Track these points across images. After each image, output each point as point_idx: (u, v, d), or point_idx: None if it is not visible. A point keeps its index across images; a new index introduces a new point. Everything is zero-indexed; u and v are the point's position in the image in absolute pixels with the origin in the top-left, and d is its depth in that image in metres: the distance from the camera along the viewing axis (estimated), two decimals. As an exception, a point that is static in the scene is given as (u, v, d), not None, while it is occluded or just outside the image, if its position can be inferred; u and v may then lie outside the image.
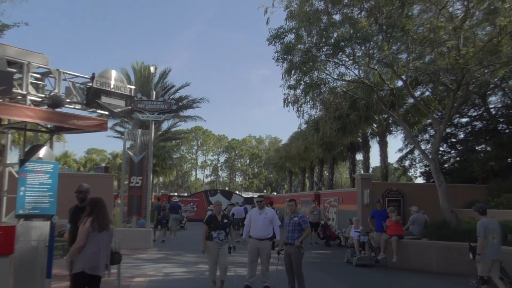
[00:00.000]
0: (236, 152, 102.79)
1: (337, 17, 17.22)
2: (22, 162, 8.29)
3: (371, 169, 30.92)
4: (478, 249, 9.41)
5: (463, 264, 12.87)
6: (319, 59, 17.01)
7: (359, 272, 13.68)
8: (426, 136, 28.61)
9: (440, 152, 26.28)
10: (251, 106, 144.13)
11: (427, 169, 28.15)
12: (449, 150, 27.61)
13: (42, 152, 8.60)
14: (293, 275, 9.31)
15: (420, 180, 30.22)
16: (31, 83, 8.94)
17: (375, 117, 24.99)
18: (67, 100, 9.05)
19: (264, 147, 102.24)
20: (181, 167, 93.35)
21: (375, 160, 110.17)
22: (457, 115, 25.52)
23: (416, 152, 29.34)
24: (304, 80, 17.37)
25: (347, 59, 17.47)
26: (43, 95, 8.73)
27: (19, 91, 8.32)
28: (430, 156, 17.75)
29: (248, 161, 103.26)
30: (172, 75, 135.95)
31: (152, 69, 21.62)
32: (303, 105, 18.95)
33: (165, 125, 39.87)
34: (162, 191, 62.88)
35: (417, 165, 29.89)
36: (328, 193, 28.96)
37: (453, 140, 27.53)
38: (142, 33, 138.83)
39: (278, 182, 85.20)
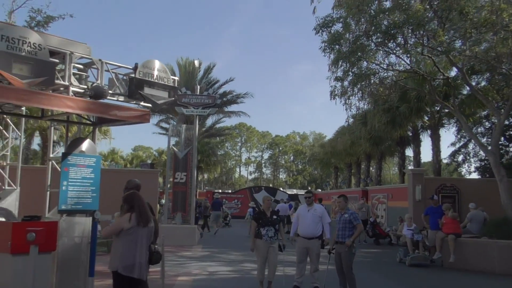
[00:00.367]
0: (280, 148, 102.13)
1: (387, 4, 16.41)
2: (65, 155, 8.04)
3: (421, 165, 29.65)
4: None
5: (530, 265, 11.87)
6: (368, 48, 16.22)
7: (413, 273, 12.89)
8: (481, 129, 27.14)
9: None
10: (295, 102, 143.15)
11: (483, 163, 26.72)
12: (507, 143, 26.04)
13: (84, 146, 8.33)
14: (344, 275, 8.73)
15: (474, 176, 28.76)
16: (74, 74, 8.70)
17: (427, 109, 23.81)
18: (110, 92, 8.74)
19: (308, 143, 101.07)
20: (225, 164, 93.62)
21: (424, 155, 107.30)
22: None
23: (471, 146, 27.96)
24: (353, 70, 16.60)
25: (398, 48, 16.60)
26: (85, 87, 8.46)
27: (62, 82, 8.07)
28: (489, 149, 16.61)
29: (292, 157, 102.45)
30: (216, 71, 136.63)
31: (196, 62, 21.39)
32: (351, 97, 18.21)
33: (209, 121, 39.82)
34: (207, 187, 63.12)
35: (471, 159, 28.45)
36: (376, 189, 28.01)
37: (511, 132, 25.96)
38: (187, 29, 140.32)
39: (323, 178, 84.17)
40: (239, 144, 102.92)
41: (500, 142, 25.43)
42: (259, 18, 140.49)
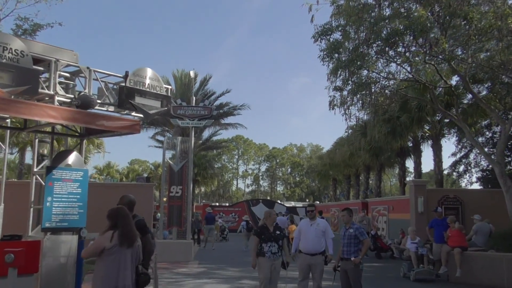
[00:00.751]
0: (277, 161, 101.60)
1: (387, 11, 16.02)
2: (49, 169, 7.51)
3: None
4: None
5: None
6: (368, 56, 15.78)
7: (419, 288, 12.32)
8: (482, 139, 26.66)
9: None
10: (292, 114, 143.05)
11: (485, 174, 26.23)
12: (509, 153, 25.58)
13: (71, 159, 7.80)
14: (350, 293, 8.16)
15: (475, 186, 28.23)
16: (60, 82, 8.20)
17: (428, 118, 23.35)
18: (98, 101, 8.23)
19: (306, 155, 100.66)
20: (223, 177, 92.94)
21: (424, 166, 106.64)
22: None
23: (472, 156, 27.47)
24: (352, 79, 16.15)
25: (399, 56, 16.18)
26: (72, 96, 7.96)
27: (46, 91, 7.57)
28: (494, 159, 16.11)
29: (289, 169, 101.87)
30: (213, 84, 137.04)
31: (191, 73, 20.91)
32: (350, 107, 17.76)
33: (206, 134, 39.28)
34: (204, 201, 62.42)
35: (473, 170, 27.94)
36: (376, 201, 27.46)
37: (515, 141, 25.48)
38: (182, 42, 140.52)
39: (321, 190, 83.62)
40: (236, 156, 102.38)
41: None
42: (255, 30, 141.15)
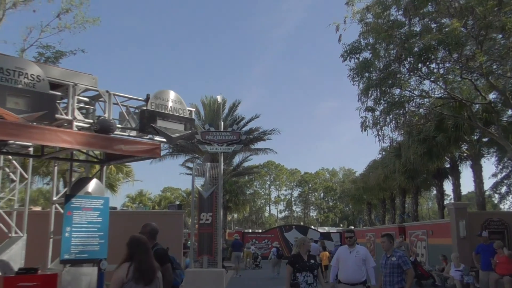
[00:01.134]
0: (310, 185, 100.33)
1: (418, 27, 15.47)
2: (68, 198, 7.18)
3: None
4: None
5: None
6: (400, 74, 15.18)
7: (467, 320, 11.37)
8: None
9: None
10: (322, 139, 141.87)
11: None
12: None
13: (91, 186, 7.46)
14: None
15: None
16: (80, 108, 7.94)
17: (466, 138, 22.32)
18: (119, 126, 7.91)
19: (338, 179, 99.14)
20: (255, 203, 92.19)
21: (462, 188, 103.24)
22: None
23: (514, 177, 26.15)
24: (385, 98, 15.53)
25: (432, 73, 15.50)
26: (91, 121, 7.66)
27: (64, 116, 7.29)
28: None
29: (322, 194, 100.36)
30: (242, 110, 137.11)
31: (219, 98, 20.59)
32: (383, 127, 17.11)
33: (236, 160, 39.01)
34: (236, 228, 61.78)
35: (516, 191, 26.60)
36: (414, 225, 26.28)
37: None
38: (211, 70, 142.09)
39: (355, 215, 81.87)
40: (268, 182, 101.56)
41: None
42: (283, 57, 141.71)
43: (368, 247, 32.43)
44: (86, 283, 7.14)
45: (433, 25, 15.04)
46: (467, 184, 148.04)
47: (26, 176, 9.42)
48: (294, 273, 7.69)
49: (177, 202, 55.22)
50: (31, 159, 9.15)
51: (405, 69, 14.77)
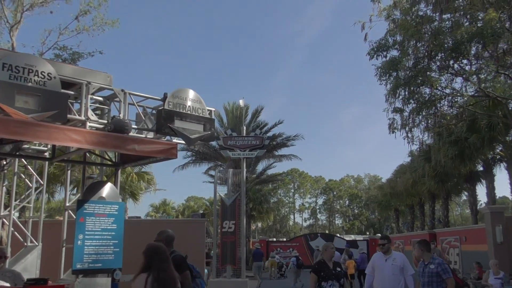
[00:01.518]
0: (335, 193, 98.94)
1: (448, 24, 14.73)
2: (80, 203, 6.71)
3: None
4: None
5: None
6: (431, 71, 14.44)
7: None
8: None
9: None
10: (346, 145, 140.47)
11: None
12: None
13: (104, 191, 6.99)
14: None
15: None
16: (95, 108, 7.52)
17: (500, 138, 21.23)
18: (134, 126, 7.44)
19: (364, 186, 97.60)
20: (279, 212, 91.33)
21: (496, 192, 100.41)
22: None
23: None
24: (415, 98, 14.80)
25: (463, 70, 14.72)
26: (105, 121, 7.21)
27: (77, 116, 6.85)
28: None
29: (347, 202, 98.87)
30: (265, 117, 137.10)
31: (241, 102, 20.19)
32: (412, 129, 16.38)
33: (260, 167, 38.44)
34: (261, 236, 61.12)
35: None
36: (446, 231, 25.26)
37: None
38: (234, 77, 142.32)
39: (381, 222, 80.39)
40: (292, 190, 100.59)
41: None
42: (306, 64, 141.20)
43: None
44: (101, 294, 6.65)
45: (465, 21, 14.31)
46: (499, 189, 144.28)
47: (42, 182, 9.01)
48: (319, 281, 7.06)
49: (201, 211, 54.94)
50: (46, 163, 8.71)
51: (436, 66, 14.00)
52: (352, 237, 52.75)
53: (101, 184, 7.04)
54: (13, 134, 5.07)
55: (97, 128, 7.10)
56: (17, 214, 11.87)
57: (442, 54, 13.71)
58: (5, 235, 9.29)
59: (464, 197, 64.95)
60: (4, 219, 9.55)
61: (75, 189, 24.98)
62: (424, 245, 7.58)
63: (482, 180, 27.04)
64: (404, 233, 39.69)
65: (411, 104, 15.44)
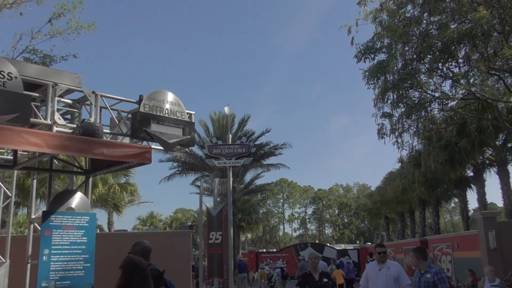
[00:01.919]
0: (324, 202, 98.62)
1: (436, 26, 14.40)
2: (46, 214, 6.11)
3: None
4: None
5: None
6: (420, 74, 14.07)
7: None
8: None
9: None
10: (334, 155, 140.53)
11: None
12: None
13: (74, 201, 6.40)
14: None
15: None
16: (65, 112, 6.96)
17: (490, 142, 20.92)
18: (106, 131, 6.88)
19: (353, 195, 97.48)
20: (268, 222, 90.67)
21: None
22: None
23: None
24: (404, 101, 14.40)
25: (453, 72, 14.37)
26: (74, 126, 6.64)
27: (42, 120, 6.27)
28: None
29: (337, 211, 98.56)
30: (252, 127, 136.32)
31: (226, 109, 19.59)
32: (402, 134, 15.96)
33: (248, 177, 37.78)
34: (250, 248, 60.40)
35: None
36: (437, 238, 24.86)
37: None
38: (221, 89, 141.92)
39: (371, 231, 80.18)
40: (281, 200, 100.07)
41: None
42: (293, 75, 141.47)
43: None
44: (70, 315, 6.02)
45: (453, 23, 13.98)
46: (491, 194, 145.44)
47: (9, 194, 8.36)
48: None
49: (189, 223, 54.16)
50: (15, 173, 8.05)
51: (425, 67, 13.62)
52: (342, 246, 52.29)
53: (70, 193, 6.43)
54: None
55: (65, 133, 6.52)
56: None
57: (431, 55, 13.33)
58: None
59: (453, 204, 65.12)
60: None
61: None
62: (420, 253, 7.09)
63: (473, 186, 26.73)
64: (394, 241, 39.30)
65: (400, 108, 15.05)
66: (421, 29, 13.53)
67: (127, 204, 28.71)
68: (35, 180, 6.99)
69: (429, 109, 14.50)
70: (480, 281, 15.36)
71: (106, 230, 33.55)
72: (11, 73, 5.92)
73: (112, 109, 7.40)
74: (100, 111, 7.25)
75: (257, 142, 33.30)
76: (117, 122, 7.35)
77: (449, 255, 21.96)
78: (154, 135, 7.16)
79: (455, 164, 21.77)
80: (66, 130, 6.53)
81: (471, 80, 15.57)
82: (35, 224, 6.72)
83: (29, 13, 13.95)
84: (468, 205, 29.53)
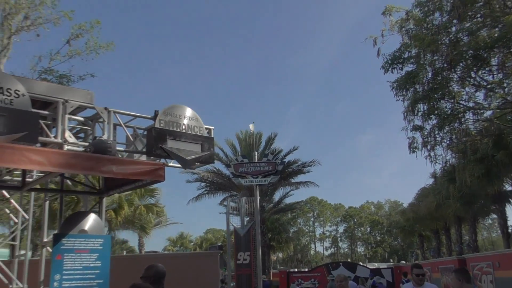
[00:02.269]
0: (355, 220, 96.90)
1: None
2: (57, 238, 5.78)
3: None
4: None
5: None
6: (452, 83, 13.42)
7: None
8: None
9: None
10: (364, 172, 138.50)
11: None
12: None
13: (87, 223, 6.06)
14: None
15: None
16: (78, 131, 6.69)
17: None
18: (120, 149, 6.56)
19: (385, 212, 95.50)
20: (299, 241, 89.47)
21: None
22: None
23: None
24: (436, 112, 13.75)
25: (486, 82, 13.67)
26: (86, 144, 6.34)
27: (52, 139, 6.00)
28: None
29: (369, 229, 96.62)
30: (280, 145, 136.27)
31: (251, 127, 19.27)
32: (435, 147, 15.26)
33: (277, 196, 37.24)
34: (281, 267, 59.43)
35: None
36: (477, 257, 23.63)
37: None
38: (248, 108, 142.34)
39: (405, 249, 78.14)
40: (312, 219, 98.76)
41: None
42: (319, 93, 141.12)
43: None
44: None
45: (484, 30, 13.33)
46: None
47: (27, 217, 8.11)
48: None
49: (219, 244, 53.66)
50: (32, 195, 7.81)
51: (457, 76, 12.97)
52: (375, 265, 50.83)
53: (82, 215, 6.09)
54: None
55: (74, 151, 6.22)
56: (7, 252, 11.00)
57: (463, 63, 12.69)
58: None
59: (490, 220, 62.79)
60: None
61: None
62: (463, 274, 6.43)
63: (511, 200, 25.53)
64: (430, 259, 37.86)
65: (431, 120, 14.37)
66: (450, 36, 12.92)
67: (155, 225, 28.54)
68: (47, 202, 6.71)
69: (462, 120, 13.78)
70: (526, 302, 14.40)
71: (137, 251, 33.61)
72: (18, 91, 5.67)
73: (127, 126, 7.10)
74: (115, 128, 6.97)
75: (285, 160, 32.81)
76: (131, 139, 7.03)
77: (490, 275, 20.79)
78: (171, 152, 6.80)
79: (492, 178, 20.72)
80: (78, 148, 6.24)
81: (506, 89, 14.80)
82: (48, 248, 6.39)
83: (46, 35, 14.00)
84: (508, 221, 28.21)
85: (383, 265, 46.07)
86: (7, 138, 5.43)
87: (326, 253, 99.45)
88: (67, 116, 6.24)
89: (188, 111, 7.39)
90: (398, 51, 13.92)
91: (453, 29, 13.26)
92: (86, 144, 6.41)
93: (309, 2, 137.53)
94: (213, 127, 7.83)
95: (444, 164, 16.74)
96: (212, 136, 7.68)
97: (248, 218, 18.13)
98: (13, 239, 8.39)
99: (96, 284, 5.94)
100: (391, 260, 78.40)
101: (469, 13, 12.64)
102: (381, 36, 15.20)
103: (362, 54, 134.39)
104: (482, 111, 14.67)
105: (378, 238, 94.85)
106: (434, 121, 14.48)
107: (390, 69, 13.79)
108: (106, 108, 6.64)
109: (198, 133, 7.29)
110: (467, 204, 26.96)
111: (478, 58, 11.95)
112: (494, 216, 33.88)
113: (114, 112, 6.69)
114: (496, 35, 11.29)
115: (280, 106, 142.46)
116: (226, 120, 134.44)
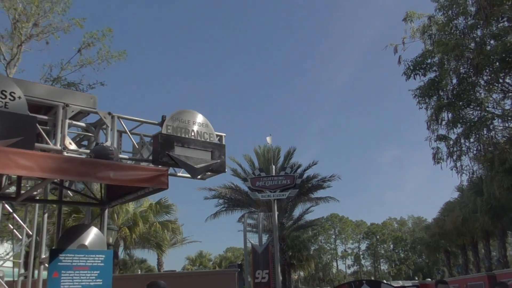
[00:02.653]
0: (378, 237, 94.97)
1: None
2: (54, 253, 5.30)
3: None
4: None
5: None
6: (478, 88, 12.75)
7: None
8: None
9: None
10: (385, 188, 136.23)
11: None
12: None
13: (87, 237, 5.57)
14: None
15: None
16: (82, 138, 6.27)
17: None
18: (125, 157, 6.10)
19: (408, 228, 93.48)
20: (321, 259, 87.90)
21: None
22: None
23: None
24: (461, 121, 13.06)
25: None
26: (87, 151, 5.90)
27: (51, 145, 5.57)
28: None
29: (392, 246, 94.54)
30: (299, 161, 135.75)
31: (268, 139, 18.79)
32: (461, 157, 14.53)
33: (296, 212, 36.41)
34: (303, 286, 58.28)
35: None
36: (508, 273, 22.51)
37: None
38: (267, 125, 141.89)
39: (430, 266, 76.06)
40: (333, 236, 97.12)
41: None
42: (339, 109, 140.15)
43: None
44: None
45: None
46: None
47: (31, 233, 7.67)
48: None
49: (238, 262, 52.86)
50: (36, 207, 7.36)
51: (483, 81, 12.30)
52: (400, 283, 49.26)
53: (82, 228, 5.60)
54: None
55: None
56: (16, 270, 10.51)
57: (490, 68, 12.03)
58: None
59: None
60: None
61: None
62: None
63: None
64: (457, 276, 36.48)
65: (457, 128, 13.67)
66: (476, 39, 12.30)
67: (172, 244, 28.06)
68: (45, 215, 6.25)
69: (491, 127, 13.07)
70: None
71: (157, 271, 33.23)
72: (14, 93, 5.28)
73: (133, 134, 6.66)
74: (120, 136, 6.54)
75: (304, 176, 32.12)
76: (137, 147, 6.57)
77: (523, 292, 19.74)
78: (179, 159, 6.31)
79: (522, 189, 19.76)
80: (78, 155, 5.80)
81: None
82: (46, 264, 5.92)
83: (57, 44, 13.80)
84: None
85: (407, 283, 44.60)
86: (0, 144, 5.02)
87: (349, 271, 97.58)
88: (67, 121, 5.82)
89: (198, 117, 6.92)
90: (420, 57, 13.32)
91: (479, 32, 12.64)
92: (87, 151, 5.98)
93: (328, 17, 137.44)
94: (224, 134, 7.34)
95: (471, 175, 15.96)
96: (224, 143, 7.18)
97: (267, 235, 17.58)
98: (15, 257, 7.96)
99: (97, 304, 5.43)
100: (416, 278, 76.33)
101: (496, 16, 12.01)
102: (402, 43, 14.69)
103: (383, 69, 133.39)
104: (510, 118, 13.93)
105: (402, 255, 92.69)
106: (460, 130, 13.79)
107: (412, 75, 13.21)
108: (109, 113, 6.21)
109: (208, 140, 6.81)
110: (496, 217, 25.81)
111: (506, 62, 11.27)
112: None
113: (118, 117, 6.25)
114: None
115: (300, 122, 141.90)
116: (244, 135, 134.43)
